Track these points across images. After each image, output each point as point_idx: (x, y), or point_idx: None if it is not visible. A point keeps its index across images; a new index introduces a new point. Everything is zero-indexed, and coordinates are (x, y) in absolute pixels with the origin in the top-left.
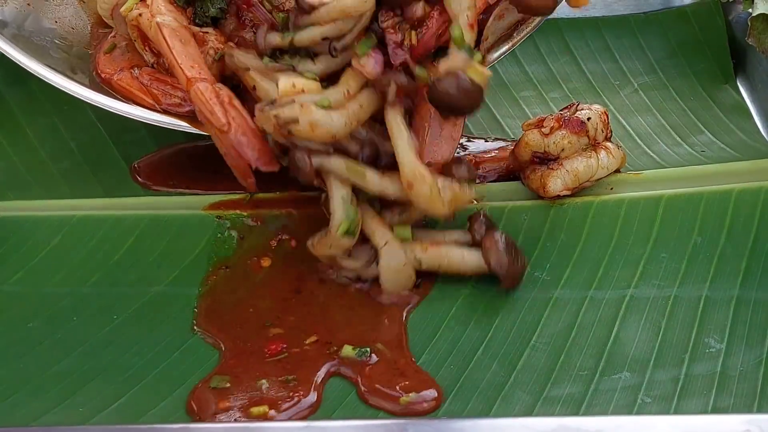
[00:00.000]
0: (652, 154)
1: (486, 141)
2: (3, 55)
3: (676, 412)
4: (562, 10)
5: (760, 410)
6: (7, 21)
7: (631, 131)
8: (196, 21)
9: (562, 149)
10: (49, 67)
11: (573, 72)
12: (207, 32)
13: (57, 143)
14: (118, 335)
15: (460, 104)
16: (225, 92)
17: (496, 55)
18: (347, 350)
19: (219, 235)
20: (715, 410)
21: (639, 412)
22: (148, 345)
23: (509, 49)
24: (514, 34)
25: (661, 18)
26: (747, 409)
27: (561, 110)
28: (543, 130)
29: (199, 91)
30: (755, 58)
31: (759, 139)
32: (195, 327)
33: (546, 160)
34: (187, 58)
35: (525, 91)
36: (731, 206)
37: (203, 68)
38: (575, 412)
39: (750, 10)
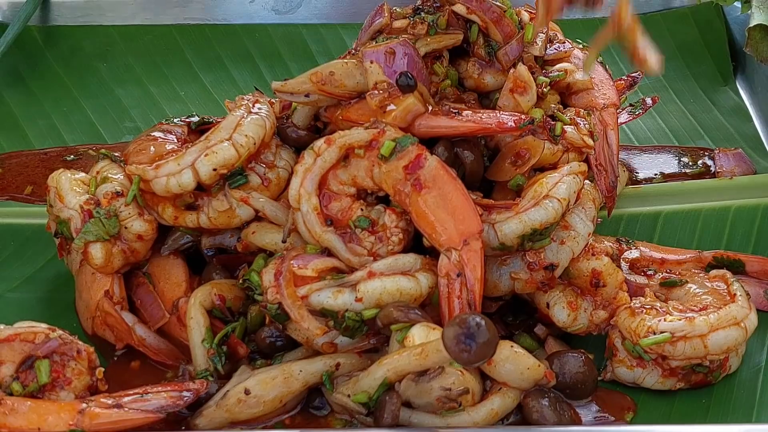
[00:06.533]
0: None
1: None
2: (2, 55)
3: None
4: None
5: (758, 420)
6: None
7: (631, 135)
8: None
9: None
10: None
11: None
12: None
13: (56, 145)
14: None
15: None
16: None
17: None
18: None
19: None
20: (713, 420)
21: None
22: None
23: None
24: None
25: (661, 19)
26: (746, 419)
27: None
28: None
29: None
30: (755, 60)
31: (758, 146)
32: None
33: None
34: None
35: None
36: (729, 222)
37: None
38: None
39: (749, 12)
